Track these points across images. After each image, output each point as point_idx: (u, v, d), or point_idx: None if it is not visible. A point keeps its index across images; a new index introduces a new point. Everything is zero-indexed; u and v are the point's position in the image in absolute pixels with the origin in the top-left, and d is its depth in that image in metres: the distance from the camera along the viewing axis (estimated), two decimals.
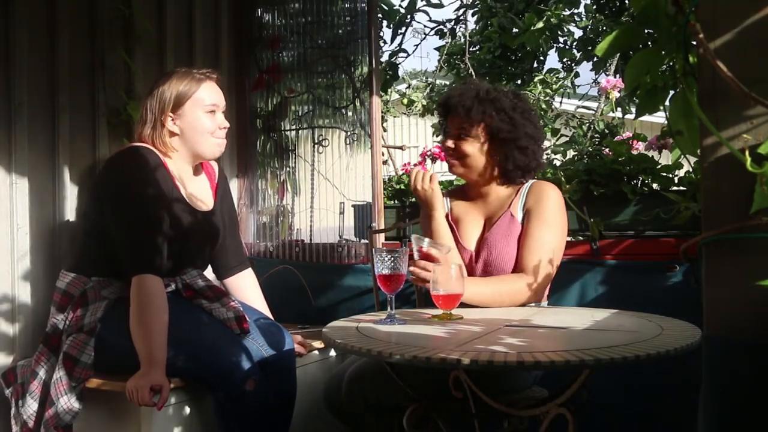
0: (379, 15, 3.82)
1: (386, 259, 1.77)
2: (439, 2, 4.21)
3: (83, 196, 2.55)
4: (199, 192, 2.25)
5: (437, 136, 5.51)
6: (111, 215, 2.06)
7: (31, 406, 2.03)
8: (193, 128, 2.15)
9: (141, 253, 2.01)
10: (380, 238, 2.95)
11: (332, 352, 2.55)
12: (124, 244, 2.03)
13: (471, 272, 2.06)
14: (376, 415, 1.93)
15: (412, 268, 1.86)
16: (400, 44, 4.28)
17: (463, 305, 1.87)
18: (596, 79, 6.95)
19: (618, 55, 6.00)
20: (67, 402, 1.96)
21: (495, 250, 2.03)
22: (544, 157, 2.19)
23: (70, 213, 2.52)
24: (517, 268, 2.01)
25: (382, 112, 3.36)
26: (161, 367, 1.92)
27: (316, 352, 2.46)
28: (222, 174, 2.38)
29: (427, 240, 1.91)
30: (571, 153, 3.84)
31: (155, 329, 1.94)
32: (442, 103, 2.18)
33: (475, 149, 2.10)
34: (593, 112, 6.91)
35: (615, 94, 2.65)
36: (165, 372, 1.92)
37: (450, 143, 2.13)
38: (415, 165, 2.98)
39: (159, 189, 2.07)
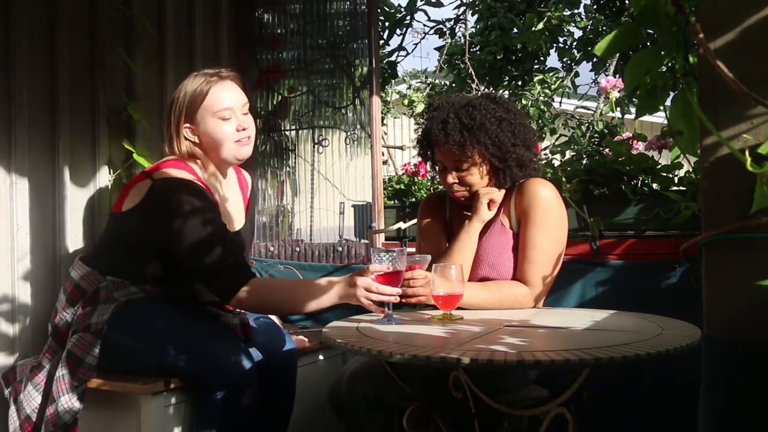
0: (381, 17, 3.82)
1: (384, 258, 1.76)
2: (437, 1, 4.21)
3: (114, 196, 2.49)
4: (232, 210, 2.20)
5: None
6: (177, 253, 1.98)
7: (35, 398, 2.01)
8: (209, 136, 2.06)
9: (223, 280, 1.96)
10: (380, 238, 2.95)
11: (335, 354, 2.55)
12: (203, 279, 2.00)
13: None
14: (377, 413, 1.93)
15: (402, 289, 1.83)
16: (400, 44, 4.28)
17: (462, 309, 1.88)
18: (596, 79, 6.95)
19: (618, 55, 6.00)
20: (67, 401, 1.95)
21: (489, 266, 2.00)
22: (543, 156, 2.12)
23: (70, 213, 2.52)
24: (516, 278, 1.99)
25: (382, 112, 3.36)
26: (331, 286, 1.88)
27: (321, 357, 2.46)
28: (254, 190, 2.34)
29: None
30: (569, 153, 3.84)
31: (291, 299, 1.95)
32: (425, 137, 2.07)
33: (477, 177, 2.03)
34: (592, 112, 6.91)
35: (615, 94, 2.65)
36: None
37: (451, 179, 2.04)
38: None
39: (212, 217, 1.98)
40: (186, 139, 2.08)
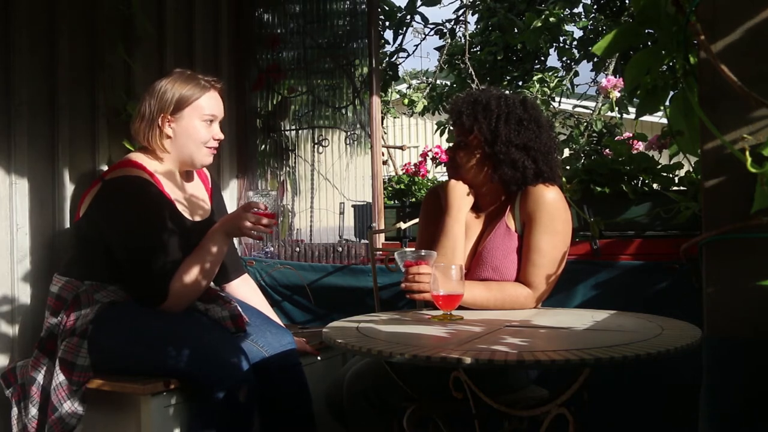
0: (381, 17, 3.82)
1: (264, 199, 2.03)
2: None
3: (77, 202, 2.53)
4: (195, 199, 2.24)
5: (441, 135, 5.51)
6: (116, 248, 2.07)
7: (31, 411, 2.03)
8: (187, 135, 2.15)
9: (151, 286, 2.03)
10: (380, 238, 2.95)
11: (335, 354, 2.55)
12: (134, 281, 2.07)
13: None
14: (377, 413, 1.92)
15: (405, 284, 1.85)
16: (400, 44, 4.28)
17: (463, 308, 1.87)
18: (595, 79, 6.94)
19: (618, 54, 6.00)
20: (70, 406, 1.96)
21: (492, 268, 1.99)
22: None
23: (70, 213, 2.51)
24: (519, 280, 1.98)
25: (382, 112, 3.36)
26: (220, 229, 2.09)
27: (320, 357, 2.45)
28: (215, 181, 2.40)
29: (409, 251, 1.89)
30: (566, 152, 3.84)
31: (203, 262, 2.05)
32: (447, 109, 2.13)
33: (467, 160, 2.04)
34: (591, 111, 6.90)
35: (615, 94, 2.65)
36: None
37: (450, 152, 2.09)
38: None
39: (156, 214, 2.07)
40: (160, 129, 2.14)
